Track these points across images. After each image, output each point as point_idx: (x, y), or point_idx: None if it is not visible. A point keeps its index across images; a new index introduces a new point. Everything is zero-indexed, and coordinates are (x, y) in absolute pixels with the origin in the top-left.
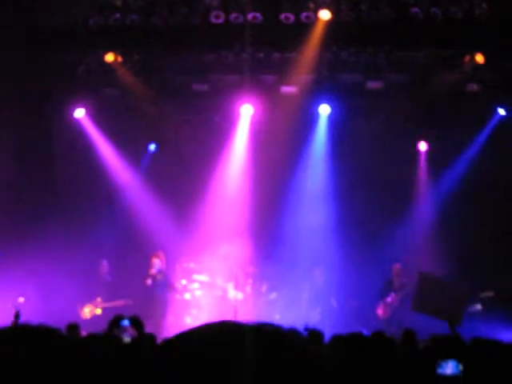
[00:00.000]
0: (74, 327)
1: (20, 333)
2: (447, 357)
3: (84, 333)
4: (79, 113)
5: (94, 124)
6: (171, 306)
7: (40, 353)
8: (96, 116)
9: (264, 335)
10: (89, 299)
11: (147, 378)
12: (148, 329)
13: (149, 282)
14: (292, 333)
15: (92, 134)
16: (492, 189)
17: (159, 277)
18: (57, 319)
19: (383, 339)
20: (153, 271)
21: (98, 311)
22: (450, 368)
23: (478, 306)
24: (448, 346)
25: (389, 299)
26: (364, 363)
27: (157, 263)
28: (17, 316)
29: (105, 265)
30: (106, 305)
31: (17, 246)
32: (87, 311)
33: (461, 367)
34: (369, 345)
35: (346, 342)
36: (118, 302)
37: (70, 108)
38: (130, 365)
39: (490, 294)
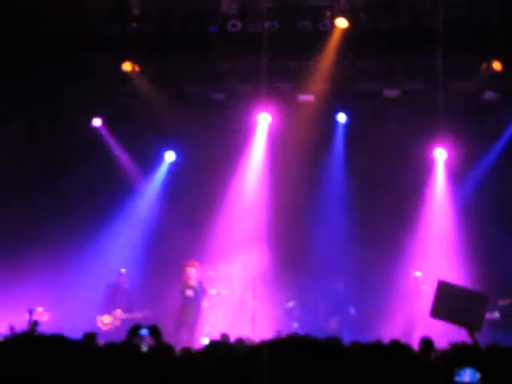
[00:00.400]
0: (91, 336)
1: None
2: (465, 365)
3: (102, 342)
4: (97, 122)
5: (111, 133)
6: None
7: (55, 361)
8: (113, 125)
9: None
10: (108, 310)
11: None
12: (184, 337)
13: (190, 293)
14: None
15: (110, 143)
16: (510, 195)
17: (196, 286)
18: (75, 329)
19: (401, 347)
20: (192, 282)
21: (117, 323)
22: (467, 376)
23: (496, 314)
24: (466, 354)
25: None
26: (382, 371)
27: (193, 273)
28: (34, 325)
29: (123, 274)
30: (126, 316)
31: (35, 256)
32: (106, 322)
33: (478, 375)
34: (387, 353)
35: (364, 350)
36: (137, 314)
37: (88, 117)
38: (147, 374)
39: (507, 301)
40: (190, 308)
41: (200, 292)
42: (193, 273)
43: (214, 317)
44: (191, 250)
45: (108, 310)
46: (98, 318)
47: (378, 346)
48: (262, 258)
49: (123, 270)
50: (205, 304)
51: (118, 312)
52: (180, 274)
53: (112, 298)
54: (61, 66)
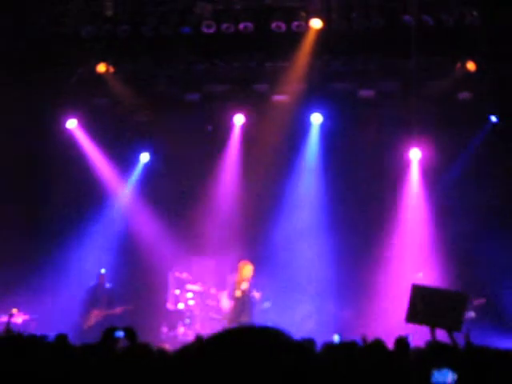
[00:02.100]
0: (62, 337)
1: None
2: (441, 365)
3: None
4: (71, 123)
5: (86, 134)
6: (166, 316)
7: (29, 362)
8: (88, 126)
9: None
10: (90, 310)
11: None
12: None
13: (238, 294)
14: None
15: (84, 145)
16: (484, 195)
17: (247, 287)
18: (53, 329)
19: (375, 347)
20: (244, 283)
21: (99, 320)
22: (444, 377)
23: (471, 314)
24: (442, 354)
25: None
26: (356, 371)
27: (247, 273)
28: (8, 326)
29: (103, 274)
30: (107, 313)
31: (9, 256)
32: (90, 320)
33: (455, 376)
34: (361, 353)
35: (337, 351)
36: (118, 310)
37: (62, 119)
38: (122, 374)
39: (482, 301)
40: (238, 308)
41: (249, 293)
42: (246, 273)
43: (190, 318)
44: (166, 250)
45: (90, 310)
46: (83, 317)
47: (351, 345)
48: (238, 258)
49: (103, 271)
50: (266, 305)
51: (98, 311)
52: (232, 274)
53: (94, 298)
54: (35, 66)
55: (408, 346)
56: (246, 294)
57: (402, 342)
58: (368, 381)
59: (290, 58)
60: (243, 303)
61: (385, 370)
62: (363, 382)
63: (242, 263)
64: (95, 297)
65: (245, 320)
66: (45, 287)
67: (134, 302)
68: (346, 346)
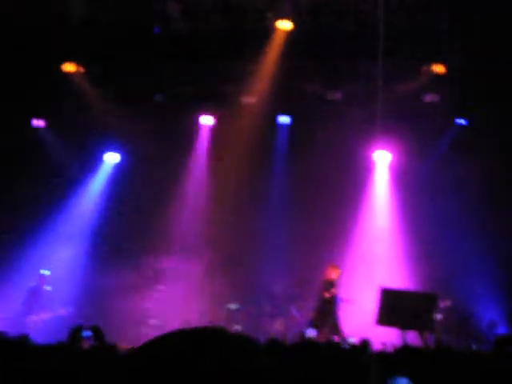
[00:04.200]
0: (25, 337)
1: None
2: (397, 367)
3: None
4: (39, 123)
5: (53, 133)
6: (131, 314)
7: None
8: (55, 125)
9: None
10: (29, 312)
11: None
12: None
13: (328, 295)
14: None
15: (52, 144)
16: (450, 195)
17: (335, 289)
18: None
19: (333, 347)
20: (333, 284)
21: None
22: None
23: (438, 316)
24: (400, 356)
25: None
26: (310, 371)
27: (336, 275)
28: None
29: (44, 276)
30: (47, 315)
31: None
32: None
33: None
34: (318, 352)
35: (292, 350)
36: (61, 311)
37: (30, 118)
38: (89, 373)
39: (448, 303)
40: (328, 309)
41: (336, 295)
42: (335, 276)
43: (156, 318)
44: (134, 250)
45: (29, 312)
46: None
47: (307, 345)
48: (205, 258)
49: (44, 272)
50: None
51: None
52: (320, 275)
53: (33, 300)
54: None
55: (369, 347)
56: (334, 296)
57: (364, 343)
58: (322, 380)
59: (259, 59)
60: (330, 304)
61: (340, 369)
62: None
63: (331, 266)
64: (34, 298)
65: (331, 320)
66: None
67: (101, 302)
68: (301, 345)
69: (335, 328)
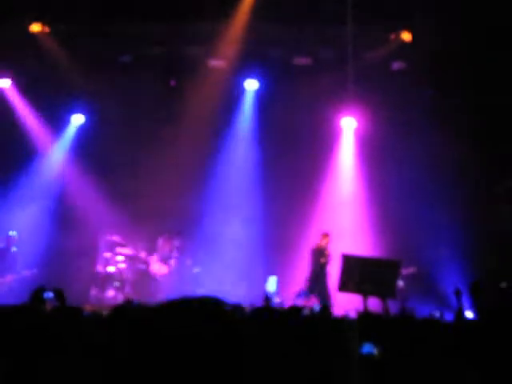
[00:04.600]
0: None
1: None
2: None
3: None
4: (4, 83)
5: (19, 95)
6: (96, 279)
7: None
8: (21, 86)
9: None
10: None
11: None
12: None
13: (324, 260)
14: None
15: (17, 105)
16: (416, 164)
17: (328, 255)
18: None
19: (300, 312)
20: (326, 251)
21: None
22: (371, 348)
23: (400, 283)
24: (371, 324)
25: None
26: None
27: (327, 242)
28: None
29: (12, 237)
30: (11, 277)
31: None
32: None
33: (376, 349)
34: (283, 317)
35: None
36: (25, 273)
37: None
38: (52, 335)
39: (411, 270)
40: (322, 275)
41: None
42: (327, 242)
43: (120, 281)
44: (97, 213)
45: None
46: None
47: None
48: (170, 224)
49: (12, 233)
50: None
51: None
52: (313, 243)
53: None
54: None
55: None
56: (325, 262)
57: (324, 307)
58: (293, 345)
59: (227, 20)
60: (323, 269)
61: (313, 335)
62: (284, 346)
63: (324, 233)
64: (1, 259)
65: (323, 285)
66: None
67: (63, 264)
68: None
69: (326, 293)
